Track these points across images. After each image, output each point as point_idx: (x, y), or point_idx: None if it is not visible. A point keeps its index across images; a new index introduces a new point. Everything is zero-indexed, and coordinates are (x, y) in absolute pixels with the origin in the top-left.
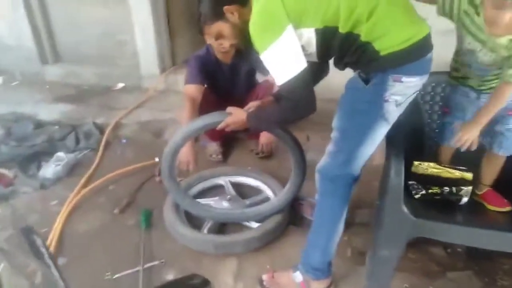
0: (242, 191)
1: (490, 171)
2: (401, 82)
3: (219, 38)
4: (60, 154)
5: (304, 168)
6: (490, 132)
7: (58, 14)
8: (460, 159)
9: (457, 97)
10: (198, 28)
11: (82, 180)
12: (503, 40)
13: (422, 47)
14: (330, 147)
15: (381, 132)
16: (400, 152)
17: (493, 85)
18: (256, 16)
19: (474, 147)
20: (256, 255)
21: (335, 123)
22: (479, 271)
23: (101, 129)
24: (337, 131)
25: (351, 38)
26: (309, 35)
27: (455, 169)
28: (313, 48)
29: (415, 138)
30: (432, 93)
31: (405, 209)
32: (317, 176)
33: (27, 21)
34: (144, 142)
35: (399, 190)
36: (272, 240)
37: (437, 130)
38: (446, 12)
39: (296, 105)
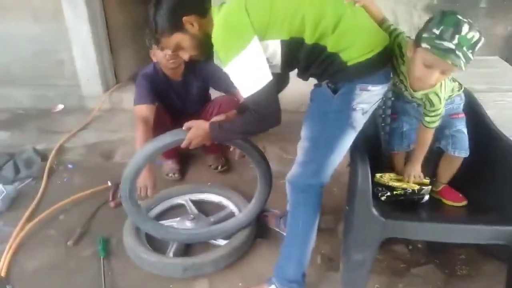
0: (204, 208)
1: (447, 171)
2: (368, 90)
3: (178, 50)
4: None
5: (270, 181)
6: (443, 136)
7: None
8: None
9: (401, 104)
10: (153, 40)
11: (27, 213)
12: (418, 94)
13: (386, 57)
14: (300, 157)
15: (349, 140)
16: (364, 157)
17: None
18: (220, 28)
19: (422, 177)
20: (226, 273)
21: (304, 133)
22: (439, 264)
23: (43, 155)
24: (307, 140)
25: (317, 49)
26: (275, 46)
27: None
28: (278, 59)
29: (372, 143)
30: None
31: (374, 212)
32: (288, 187)
33: None
34: (93, 166)
35: (367, 194)
36: (241, 256)
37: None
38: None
39: (262, 117)
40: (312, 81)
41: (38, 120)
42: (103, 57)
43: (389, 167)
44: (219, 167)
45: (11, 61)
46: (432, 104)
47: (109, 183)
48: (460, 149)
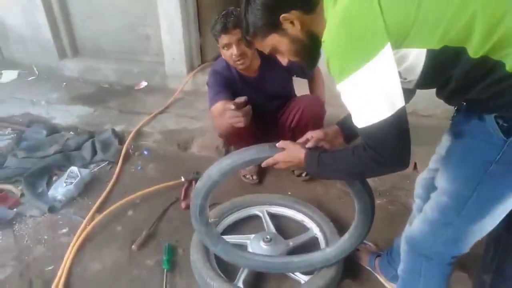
0: (283, 225)
1: None
2: None
3: (274, 53)
4: (74, 169)
5: (371, 217)
6: None
7: (77, 3)
8: None
9: None
10: (245, 40)
11: (97, 203)
12: None
13: None
14: (433, 214)
15: None
16: None
17: None
18: (336, 28)
19: None
20: None
21: (444, 184)
22: None
23: (120, 138)
24: (447, 196)
25: (486, 66)
26: (417, 58)
27: None
28: (416, 75)
29: None
30: None
31: None
32: (405, 247)
33: (43, 10)
34: (168, 156)
35: None
36: None
37: None
38: None
39: (380, 159)
40: None
41: (121, 97)
42: (190, 35)
43: None
44: (303, 175)
45: (101, 33)
46: None
47: (182, 179)
48: None
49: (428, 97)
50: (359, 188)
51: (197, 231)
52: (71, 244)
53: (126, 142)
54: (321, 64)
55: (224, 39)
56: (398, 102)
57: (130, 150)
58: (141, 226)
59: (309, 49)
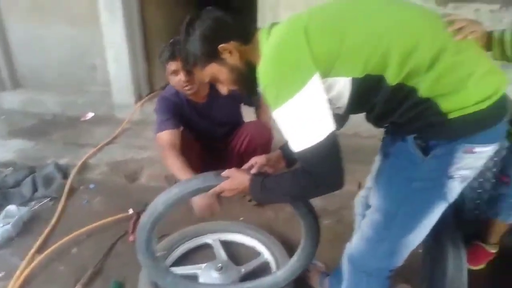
0: (235, 252)
1: None
2: (473, 153)
3: (214, 82)
4: (11, 208)
5: (317, 238)
6: None
7: (17, 32)
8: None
9: None
10: (184, 71)
11: (37, 243)
12: None
13: (504, 106)
14: (368, 232)
15: (437, 214)
16: (457, 243)
17: None
18: (269, 61)
19: None
20: None
21: (376, 202)
22: None
23: (64, 172)
24: (379, 213)
25: (403, 92)
26: (343, 86)
27: None
28: (344, 101)
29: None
30: None
31: None
32: (346, 266)
33: None
34: (115, 188)
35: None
36: None
37: (478, 202)
38: (508, 53)
39: (317, 181)
40: None
41: (65, 129)
42: (138, 64)
43: (476, 235)
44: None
45: (44, 64)
46: None
47: (131, 211)
48: None
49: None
50: (304, 211)
51: (144, 266)
52: None
53: (71, 176)
54: None
55: (172, 65)
56: (328, 127)
57: (75, 184)
58: (87, 263)
59: (247, 77)
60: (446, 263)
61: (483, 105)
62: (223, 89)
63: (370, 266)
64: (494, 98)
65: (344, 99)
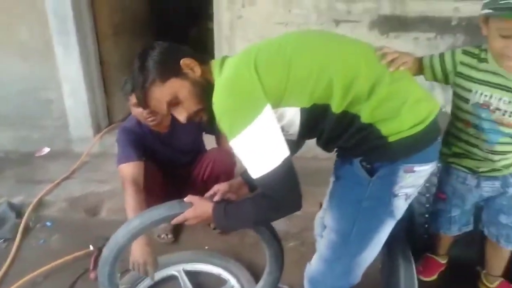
0: (200, 281)
1: (498, 262)
2: (413, 172)
3: (173, 106)
4: None
5: (281, 262)
6: (494, 223)
7: None
8: (461, 246)
9: (453, 182)
10: (139, 101)
11: None
12: None
13: (436, 128)
14: (325, 252)
15: (387, 231)
16: (407, 255)
17: (496, 166)
18: (223, 93)
19: None
20: None
21: (330, 223)
22: None
23: (18, 211)
24: (334, 233)
25: (347, 119)
26: (293, 115)
27: None
28: (295, 128)
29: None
30: None
31: None
32: (307, 286)
33: None
34: (75, 224)
35: None
36: None
37: (427, 216)
38: (437, 74)
39: (277, 204)
40: None
41: (18, 166)
42: (95, 97)
43: (427, 248)
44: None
45: None
46: None
47: (91, 247)
48: None
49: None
50: (267, 235)
51: None
52: None
53: (25, 215)
54: None
55: (134, 98)
56: (283, 152)
57: (30, 223)
58: None
59: (209, 94)
60: (398, 276)
61: (417, 129)
62: (182, 116)
63: (328, 285)
64: (427, 122)
65: (295, 127)
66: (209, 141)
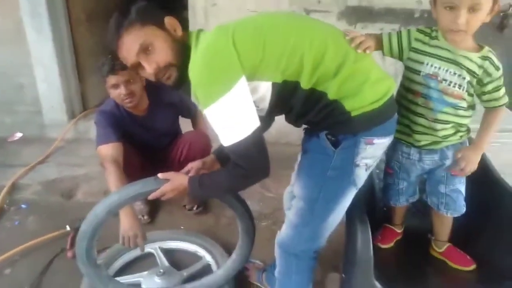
0: (177, 258)
1: (443, 229)
2: (373, 144)
3: (144, 54)
4: None
5: (253, 235)
6: (435, 193)
7: None
8: (415, 217)
9: (399, 157)
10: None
11: None
12: (474, 57)
13: (393, 105)
14: (293, 219)
15: (349, 198)
16: (364, 219)
17: (437, 136)
18: (200, 63)
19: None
20: None
21: (298, 191)
22: None
23: None
24: (302, 201)
25: (315, 95)
26: (265, 89)
27: None
28: (265, 103)
29: (365, 194)
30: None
31: (377, 285)
32: (277, 251)
33: None
34: (50, 207)
35: (368, 263)
36: None
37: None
38: (393, 49)
39: (247, 172)
40: None
41: None
42: (69, 82)
43: (386, 219)
44: (194, 208)
45: None
46: (488, 74)
47: (68, 228)
48: (453, 210)
49: (298, 131)
50: (241, 211)
51: (85, 274)
52: None
53: (0, 197)
54: None
55: (112, 79)
56: (254, 122)
57: (5, 206)
58: (22, 283)
59: (185, 54)
60: (355, 240)
61: (377, 105)
62: (151, 65)
63: (296, 249)
64: (385, 99)
65: (266, 102)
66: (185, 126)
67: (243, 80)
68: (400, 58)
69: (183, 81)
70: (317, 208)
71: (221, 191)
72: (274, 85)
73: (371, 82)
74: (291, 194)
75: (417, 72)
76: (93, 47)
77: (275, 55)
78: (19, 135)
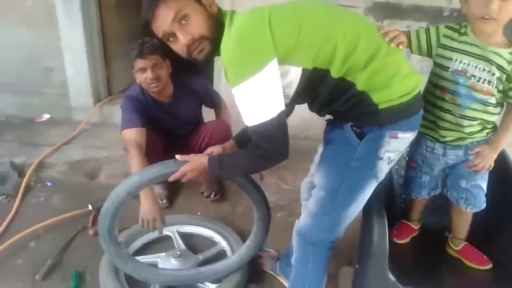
0: (193, 243)
1: (461, 225)
2: (397, 138)
3: (181, 22)
4: None
5: (268, 223)
6: (456, 187)
7: None
8: (433, 214)
9: (422, 151)
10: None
11: None
12: (504, 53)
13: (420, 101)
14: (313, 208)
15: (370, 191)
16: (381, 212)
17: (464, 132)
18: (234, 43)
19: (491, 166)
20: None
21: (319, 180)
22: None
23: (20, 170)
24: (323, 190)
25: (344, 85)
26: (295, 74)
27: None
28: (292, 90)
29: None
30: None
31: (391, 277)
32: (295, 239)
33: None
34: (74, 186)
35: (383, 256)
36: None
37: (402, 184)
38: (422, 47)
39: (267, 154)
40: None
41: (20, 130)
42: (96, 67)
43: (403, 216)
44: (212, 196)
45: None
46: None
47: (90, 207)
48: (473, 205)
49: (318, 125)
50: (257, 198)
51: (106, 251)
52: None
53: (27, 174)
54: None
55: (140, 63)
56: (280, 105)
57: (32, 182)
58: (46, 256)
59: (219, 29)
60: (372, 232)
61: (405, 99)
62: (186, 36)
63: (315, 237)
64: (413, 94)
65: (293, 88)
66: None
67: (274, 62)
68: (429, 55)
69: (213, 56)
70: (338, 198)
71: (240, 172)
72: (304, 71)
73: (400, 76)
74: (310, 185)
75: (446, 68)
76: (121, 33)
77: (309, 41)
78: (46, 116)
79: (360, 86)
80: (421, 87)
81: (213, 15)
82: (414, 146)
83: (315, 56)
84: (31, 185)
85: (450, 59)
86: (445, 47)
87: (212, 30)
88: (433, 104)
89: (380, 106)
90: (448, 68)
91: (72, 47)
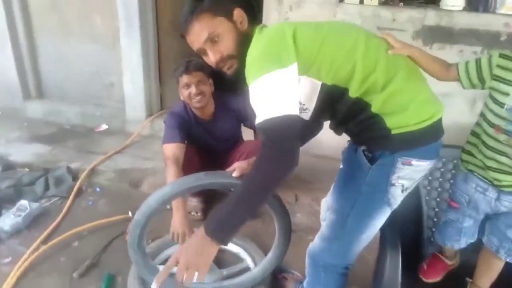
0: (220, 257)
1: (490, 274)
2: (411, 165)
3: (212, 42)
4: (23, 202)
5: (289, 237)
6: (498, 235)
7: (45, 47)
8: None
9: (471, 191)
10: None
11: (43, 235)
12: None
13: (438, 129)
14: (325, 231)
15: (383, 218)
16: (395, 245)
17: None
18: (258, 49)
19: None
20: None
21: (332, 203)
22: None
23: (75, 175)
24: (335, 214)
25: (359, 105)
26: (314, 87)
27: None
28: (312, 105)
29: (411, 228)
30: (438, 179)
31: None
32: (307, 261)
33: (11, 52)
34: (119, 193)
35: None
36: None
37: (435, 220)
38: (472, 79)
39: (276, 153)
40: None
41: (80, 138)
42: (151, 85)
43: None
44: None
45: (66, 78)
46: None
47: (130, 214)
48: None
49: (334, 145)
50: (278, 210)
51: (133, 261)
52: (12, 273)
53: (80, 179)
54: None
55: (185, 79)
56: (294, 109)
57: (83, 187)
58: (85, 256)
59: (247, 47)
60: (384, 264)
61: (419, 126)
62: (215, 55)
63: (325, 261)
64: (429, 122)
65: (313, 103)
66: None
67: (294, 66)
68: (483, 87)
69: (243, 70)
70: (349, 223)
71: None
72: (323, 85)
73: (418, 102)
74: (327, 204)
75: (501, 105)
76: (176, 55)
77: (329, 57)
78: (105, 126)
79: (375, 108)
80: (440, 116)
81: (242, 32)
82: (461, 184)
83: (335, 73)
84: (82, 189)
85: (506, 94)
86: (499, 79)
87: (240, 47)
88: (485, 144)
89: (393, 131)
90: (504, 104)
91: (131, 66)
